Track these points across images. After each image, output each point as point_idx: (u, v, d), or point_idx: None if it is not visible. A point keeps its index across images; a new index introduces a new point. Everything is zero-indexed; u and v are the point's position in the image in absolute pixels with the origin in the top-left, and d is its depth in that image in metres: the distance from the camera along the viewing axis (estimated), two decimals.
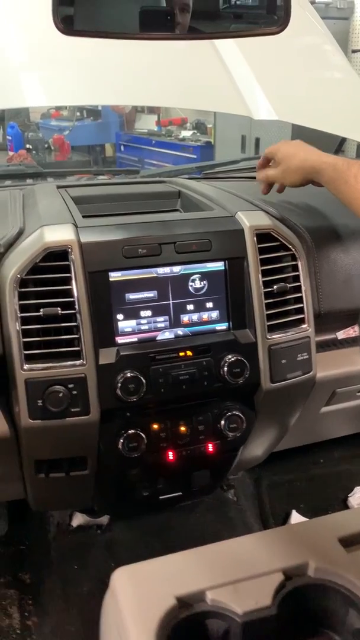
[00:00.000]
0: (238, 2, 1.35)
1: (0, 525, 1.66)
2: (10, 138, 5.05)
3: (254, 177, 1.37)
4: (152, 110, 6.63)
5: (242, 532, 1.22)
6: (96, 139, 6.52)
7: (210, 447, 1.17)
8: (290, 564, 0.89)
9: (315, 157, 1.13)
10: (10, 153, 4.79)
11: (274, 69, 1.75)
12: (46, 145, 5.31)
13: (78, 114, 6.30)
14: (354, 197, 1.02)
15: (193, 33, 1.24)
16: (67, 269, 1.02)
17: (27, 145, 5.08)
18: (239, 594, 0.84)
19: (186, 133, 5.92)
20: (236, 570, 0.88)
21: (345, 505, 1.80)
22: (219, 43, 1.71)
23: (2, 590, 1.52)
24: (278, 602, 0.83)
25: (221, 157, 4.87)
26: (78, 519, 1.66)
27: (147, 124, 6.67)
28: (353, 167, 1.03)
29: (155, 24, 1.09)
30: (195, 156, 5.33)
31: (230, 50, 1.72)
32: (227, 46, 1.70)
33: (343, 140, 2.02)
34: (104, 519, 1.65)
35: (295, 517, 1.72)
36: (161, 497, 1.26)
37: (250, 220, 1.14)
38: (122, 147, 6.41)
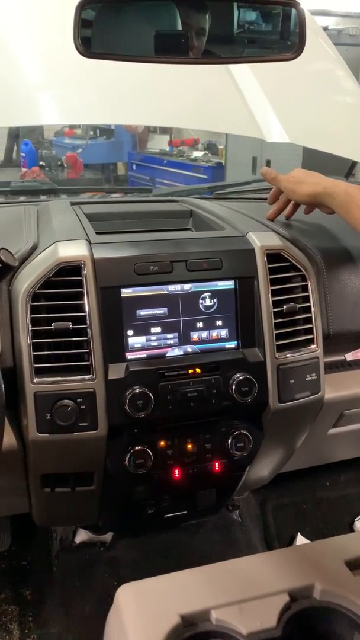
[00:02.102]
0: (252, 27, 1.37)
1: (3, 540, 1.65)
2: (24, 155, 5.13)
3: (265, 198, 1.38)
4: (164, 130, 6.71)
5: (247, 554, 1.21)
6: (109, 158, 6.60)
7: (217, 465, 1.17)
8: (296, 586, 0.88)
9: (328, 181, 1.16)
10: (24, 169, 4.86)
11: (286, 93, 1.77)
12: (59, 163, 5.38)
13: (91, 132, 6.40)
14: None
15: (208, 57, 1.27)
16: (79, 284, 1.03)
17: (41, 162, 5.15)
18: (244, 614, 0.83)
19: (197, 153, 5.98)
20: (242, 590, 0.88)
21: (351, 530, 1.78)
22: (233, 66, 1.74)
23: (3, 606, 1.51)
24: (283, 623, 0.82)
25: (232, 178, 4.90)
26: (81, 536, 1.65)
27: (159, 144, 6.75)
28: None
29: (170, 48, 1.11)
30: (206, 176, 5.39)
31: (244, 73, 1.74)
32: (240, 69, 1.73)
33: (354, 164, 2.04)
34: (108, 537, 1.64)
35: (301, 540, 1.70)
36: (166, 516, 1.25)
37: (261, 240, 1.15)
38: (134, 166, 6.48)
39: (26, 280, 1.03)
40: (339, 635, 0.87)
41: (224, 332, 1.12)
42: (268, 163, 4.45)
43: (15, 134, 5.49)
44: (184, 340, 1.10)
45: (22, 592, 1.54)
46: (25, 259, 1.08)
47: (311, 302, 1.17)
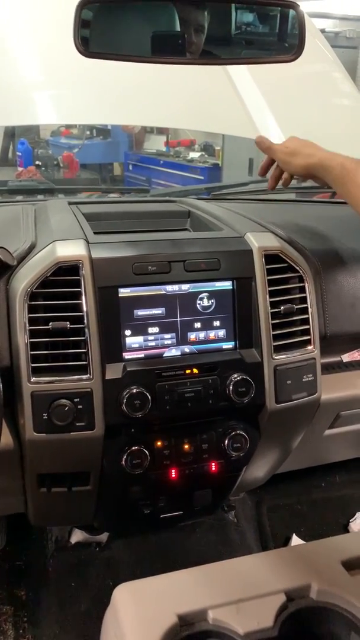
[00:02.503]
0: (249, 29, 1.37)
1: None
2: (20, 154, 5.11)
3: (262, 200, 1.38)
4: (161, 131, 6.70)
5: (242, 554, 1.21)
6: (105, 158, 6.58)
7: (214, 466, 1.17)
8: (292, 586, 0.88)
9: (323, 153, 1.11)
10: (20, 169, 4.84)
11: (284, 94, 1.78)
12: (55, 163, 5.37)
13: (88, 132, 6.38)
14: None
15: (206, 58, 1.27)
16: (77, 284, 1.03)
17: (37, 162, 5.14)
18: (241, 614, 0.83)
19: (194, 154, 5.98)
20: (238, 590, 0.88)
21: (346, 531, 1.78)
22: (231, 67, 1.74)
23: None
24: (280, 623, 0.83)
25: (228, 179, 4.91)
26: (77, 536, 1.64)
27: (155, 145, 6.74)
28: None
29: (168, 48, 1.11)
30: (202, 177, 5.38)
31: (242, 75, 1.75)
32: (238, 70, 1.74)
33: None
34: (103, 537, 1.64)
35: (296, 541, 1.70)
36: (162, 516, 1.25)
37: (259, 241, 1.16)
38: (130, 167, 6.47)
39: (24, 279, 1.03)
40: (336, 635, 0.87)
41: (221, 333, 1.12)
42: None
43: (11, 133, 5.46)
44: (182, 340, 1.10)
45: (17, 593, 1.54)
46: (23, 258, 1.08)
47: (308, 303, 1.17)
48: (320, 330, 1.21)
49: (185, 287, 1.09)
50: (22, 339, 1.01)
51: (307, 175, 1.16)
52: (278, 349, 1.13)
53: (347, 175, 1.03)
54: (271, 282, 1.13)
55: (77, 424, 1.02)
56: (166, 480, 1.15)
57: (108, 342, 1.04)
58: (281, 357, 1.13)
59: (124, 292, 1.05)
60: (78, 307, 1.03)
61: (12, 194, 1.72)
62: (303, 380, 1.16)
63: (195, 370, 1.09)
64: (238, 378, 1.09)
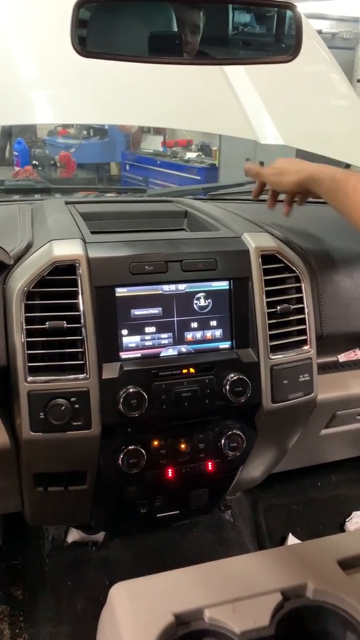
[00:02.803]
0: (246, 30, 1.37)
1: None
2: (17, 154, 5.11)
3: (259, 200, 1.38)
4: (158, 131, 6.71)
5: (238, 554, 1.21)
6: (102, 158, 6.59)
7: (210, 465, 1.17)
8: (288, 585, 0.89)
9: (313, 167, 1.12)
10: (17, 168, 4.84)
11: (281, 95, 1.78)
12: (52, 162, 5.37)
13: (85, 132, 6.39)
14: (353, 208, 1.00)
15: (203, 58, 1.27)
16: (74, 283, 1.03)
17: (34, 162, 5.14)
18: (237, 613, 0.83)
19: (191, 155, 5.99)
20: (235, 589, 0.88)
21: (342, 530, 1.78)
22: (228, 68, 1.74)
23: None
24: (276, 622, 0.83)
25: (225, 180, 4.92)
26: (73, 535, 1.64)
27: (152, 145, 6.75)
28: (351, 179, 1.01)
29: (164, 48, 1.11)
30: (199, 177, 5.39)
31: (239, 75, 1.75)
32: (235, 71, 1.74)
33: (347, 167, 2.05)
34: (100, 536, 1.64)
35: (292, 540, 1.71)
36: (158, 515, 1.25)
37: (255, 241, 1.16)
38: (127, 167, 6.48)
39: (21, 278, 1.03)
40: (332, 633, 0.87)
41: (218, 333, 1.12)
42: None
43: (8, 133, 5.47)
44: (178, 340, 1.10)
45: (13, 592, 1.54)
46: (19, 258, 1.08)
47: (305, 303, 1.17)
48: (317, 330, 1.21)
49: (182, 287, 1.09)
50: (19, 339, 1.01)
51: (299, 190, 1.18)
52: (274, 349, 1.14)
53: (338, 187, 1.03)
54: (268, 282, 1.14)
55: (74, 424, 1.02)
56: (163, 480, 1.15)
57: (105, 342, 1.04)
58: (277, 357, 1.14)
59: (120, 291, 1.06)
60: (75, 307, 1.03)
61: (9, 194, 1.72)
62: (299, 380, 1.17)
63: (192, 370, 1.09)
64: (235, 378, 1.09)
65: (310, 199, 1.24)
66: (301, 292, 1.17)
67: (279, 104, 1.76)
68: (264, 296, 1.13)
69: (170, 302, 1.09)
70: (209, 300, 1.11)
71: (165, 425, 1.12)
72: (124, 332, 1.06)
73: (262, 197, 1.34)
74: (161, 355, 1.09)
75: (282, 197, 1.28)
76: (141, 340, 1.08)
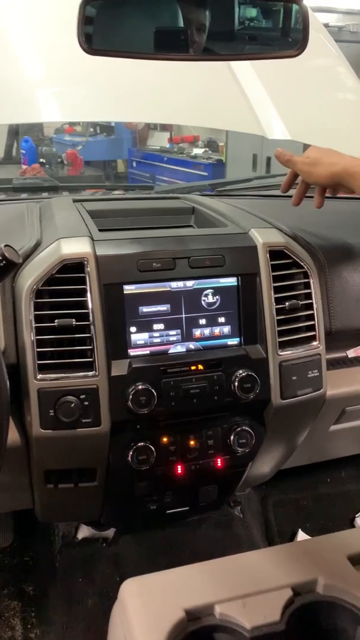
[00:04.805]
0: (252, 24, 1.37)
1: (6, 536, 1.66)
2: (24, 152, 5.12)
3: (266, 195, 1.38)
4: (164, 127, 6.71)
5: (248, 550, 1.21)
6: (109, 155, 6.59)
7: (219, 462, 1.17)
8: (299, 580, 0.89)
9: (348, 160, 1.08)
10: (24, 166, 4.85)
11: (288, 90, 1.77)
12: (59, 160, 5.38)
13: (91, 129, 6.39)
14: None
15: (209, 54, 1.26)
16: (82, 281, 1.03)
17: (41, 159, 5.15)
18: (248, 608, 0.83)
19: (198, 151, 5.98)
20: (245, 584, 0.88)
21: (352, 526, 1.78)
22: (234, 63, 1.74)
23: (6, 601, 1.52)
24: (287, 618, 0.83)
25: (232, 176, 4.91)
26: (83, 532, 1.65)
27: (159, 141, 6.74)
28: None
29: (171, 44, 1.11)
30: (206, 174, 5.38)
31: (245, 70, 1.74)
32: (241, 66, 1.73)
33: None
34: (110, 532, 1.65)
35: (302, 536, 1.71)
36: (168, 512, 1.26)
37: (263, 237, 1.16)
38: (134, 163, 6.48)
39: (29, 277, 1.03)
40: (342, 629, 0.87)
41: (226, 329, 1.12)
42: (268, 160, 4.45)
43: (15, 131, 5.48)
44: (187, 337, 1.10)
45: (25, 588, 1.55)
46: (28, 256, 1.09)
47: (313, 299, 1.17)
48: (326, 326, 1.21)
49: (190, 283, 1.09)
50: (28, 337, 1.01)
51: (331, 184, 1.13)
52: (283, 345, 1.14)
53: None
54: (276, 278, 1.14)
55: (83, 421, 1.03)
56: (172, 476, 1.15)
57: (113, 339, 1.05)
58: (286, 353, 1.14)
59: (129, 289, 1.06)
60: (83, 304, 1.03)
61: (17, 192, 1.73)
62: (308, 376, 1.16)
63: (200, 367, 1.09)
64: (243, 374, 1.09)
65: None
66: (310, 288, 1.17)
67: (286, 99, 1.75)
68: (272, 292, 1.13)
69: (178, 299, 1.09)
70: (217, 297, 1.11)
71: (174, 421, 1.12)
72: (133, 329, 1.07)
73: (269, 192, 1.34)
74: (170, 352, 1.09)
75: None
76: (149, 337, 1.08)
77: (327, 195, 1.22)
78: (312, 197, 1.24)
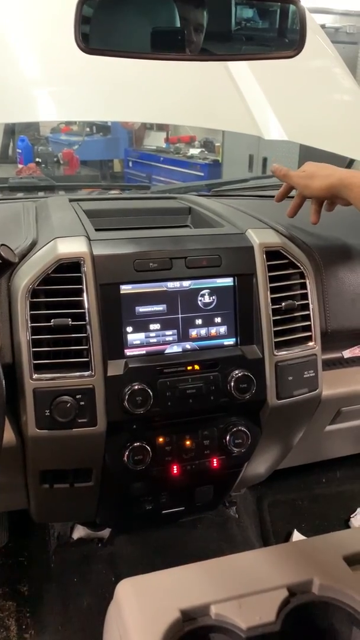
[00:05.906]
0: (249, 25, 1.37)
1: (1, 536, 1.65)
2: (20, 151, 5.11)
3: (263, 196, 1.38)
4: (160, 127, 6.71)
5: (243, 550, 1.21)
6: (105, 155, 6.59)
7: (215, 462, 1.17)
8: (294, 581, 0.89)
9: (343, 172, 1.10)
10: (20, 166, 4.84)
11: (284, 90, 1.77)
12: (55, 159, 5.37)
13: (88, 129, 6.38)
14: None
15: (206, 54, 1.26)
16: (78, 281, 1.03)
17: (37, 159, 5.14)
18: (243, 609, 0.83)
19: (194, 151, 5.98)
20: (241, 585, 0.88)
21: (347, 526, 1.79)
22: (231, 64, 1.74)
23: (1, 602, 1.52)
24: (282, 618, 0.83)
25: (228, 176, 4.91)
26: (79, 532, 1.65)
27: (155, 141, 6.74)
28: None
29: (167, 44, 1.11)
30: (202, 174, 5.39)
31: (242, 71, 1.74)
32: (238, 67, 1.73)
33: (351, 162, 2.04)
34: (105, 533, 1.64)
35: (297, 537, 1.71)
36: (164, 512, 1.26)
37: (260, 237, 1.16)
38: (130, 163, 6.47)
39: (25, 276, 1.03)
40: (338, 629, 0.87)
41: (222, 329, 1.12)
42: (264, 161, 4.46)
43: (11, 130, 5.47)
44: (183, 337, 1.10)
45: (20, 588, 1.55)
46: (24, 256, 1.08)
47: (309, 299, 1.17)
48: (321, 326, 1.21)
49: (186, 283, 1.09)
50: (24, 336, 1.01)
51: (328, 196, 1.15)
52: (279, 345, 1.14)
53: None
54: (272, 279, 1.14)
55: (79, 421, 1.03)
56: (168, 476, 1.15)
57: (110, 339, 1.04)
58: (282, 354, 1.14)
59: (125, 288, 1.06)
60: (79, 304, 1.03)
61: (13, 191, 1.72)
62: (304, 376, 1.16)
63: (196, 367, 1.09)
64: (239, 374, 1.09)
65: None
66: (306, 289, 1.17)
67: (283, 100, 1.76)
68: (269, 292, 1.13)
69: (175, 299, 1.09)
70: (214, 297, 1.11)
71: (171, 421, 1.12)
72: (129, 329, 1.06)
73: (266, 193, 1.34)
74: (166, 352, 1.09)
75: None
76: (146, 337, 1.08)
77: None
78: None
